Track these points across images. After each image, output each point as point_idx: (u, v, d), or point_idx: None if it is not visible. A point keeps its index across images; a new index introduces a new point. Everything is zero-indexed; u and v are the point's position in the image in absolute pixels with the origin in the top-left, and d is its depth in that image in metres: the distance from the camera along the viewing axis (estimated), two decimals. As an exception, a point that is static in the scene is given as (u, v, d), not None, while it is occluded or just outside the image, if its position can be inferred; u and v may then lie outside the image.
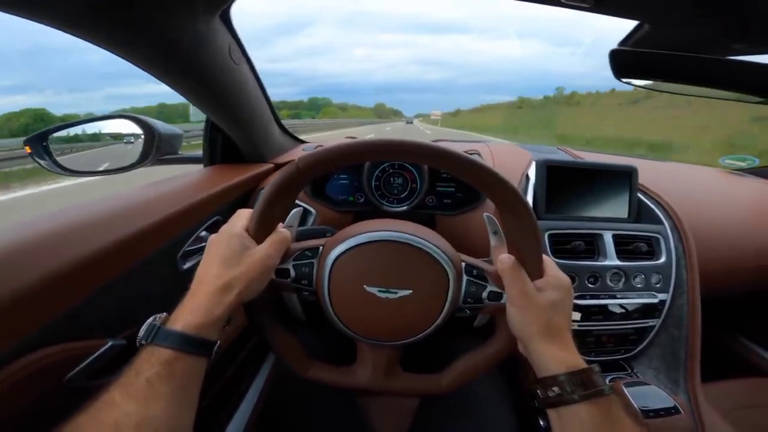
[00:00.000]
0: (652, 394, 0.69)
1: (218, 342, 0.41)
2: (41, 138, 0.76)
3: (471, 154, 1.09)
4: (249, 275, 0.43)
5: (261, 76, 0.94)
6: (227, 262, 0.43)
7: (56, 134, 0.78)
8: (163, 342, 0.38)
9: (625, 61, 0.68)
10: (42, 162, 0.76)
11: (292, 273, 0.50)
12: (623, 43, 0.69)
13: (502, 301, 0.49)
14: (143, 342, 0.39)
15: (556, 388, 0.41)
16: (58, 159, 0.77)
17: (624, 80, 0.72)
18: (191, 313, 0.40)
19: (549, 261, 0.50)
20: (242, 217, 0.48)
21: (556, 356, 0.43)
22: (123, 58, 0.62)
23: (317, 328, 0.90)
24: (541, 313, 0.44)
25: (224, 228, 0.47)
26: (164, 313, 0.42)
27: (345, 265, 0.48)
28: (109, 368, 0.54)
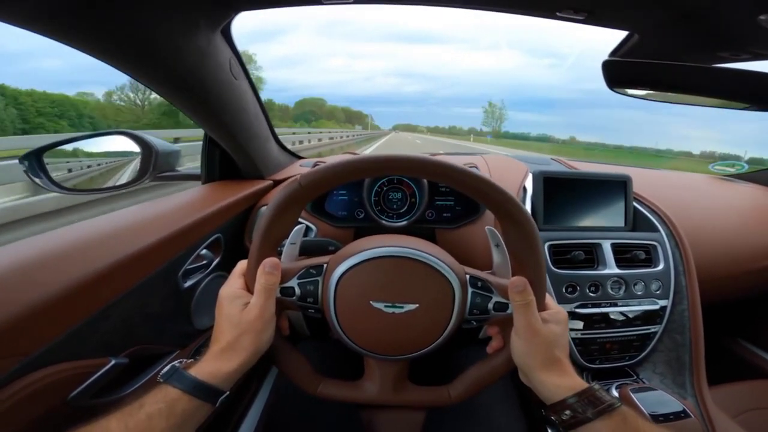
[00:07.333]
0: (661, 399, 0.69)
1: (227, 393, 0.44)
2: (36, 155, 0.75)
3: (468, 166, 1.10)
4: (254, 333, 0.46)
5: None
6: (231, 325, 0.46)
7: (52, 151, 0.77)
8: (175, 383, 0.41)
9: (617, 71, 0.71)
10: (37, 180, 0.75)
11: (297, 291, 0.49)
12: (613, 53, 0.72)
13: (508, 312, 0.49)
14: (160, 380, 0.42)
15: (568, 412, 0.43)
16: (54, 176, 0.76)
17: (617, 90, 0.74)
18: (207, 361, 0.44)
19: (546, 293, 0.52)
20: (237, 272, 0.50)
21: (557, 383, 0.45)
22: (124, 72, 0.62)
23: (322, 342, 0.88)
24: (543, 346, 0.46)
25: (222, 290, 0.49)
26: (191, 359, 0.45)
27: (350, 281, 0.48)
28: (111, 387, 0.54)
